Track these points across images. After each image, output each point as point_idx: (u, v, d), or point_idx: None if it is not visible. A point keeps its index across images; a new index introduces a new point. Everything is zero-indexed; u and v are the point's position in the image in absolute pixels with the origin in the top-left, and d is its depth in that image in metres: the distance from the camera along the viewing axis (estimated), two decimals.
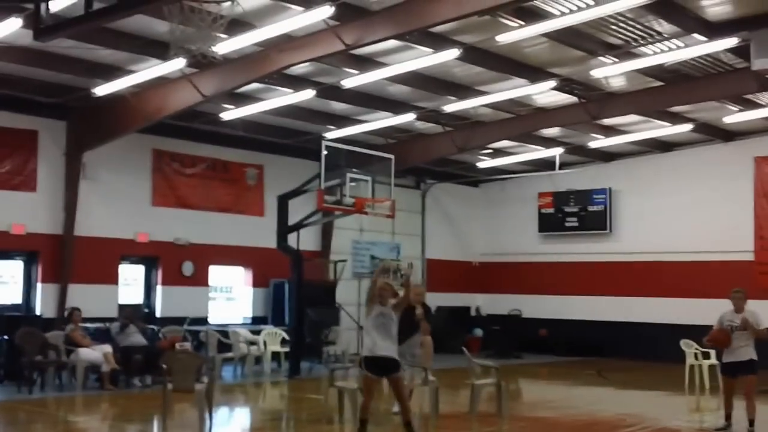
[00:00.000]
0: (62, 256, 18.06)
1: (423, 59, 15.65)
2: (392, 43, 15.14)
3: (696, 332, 17.02)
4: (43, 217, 18.01)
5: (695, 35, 14.88)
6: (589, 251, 25.50)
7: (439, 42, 15.15)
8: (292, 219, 18.39)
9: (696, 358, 17.59)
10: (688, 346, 17.74)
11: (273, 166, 22.05)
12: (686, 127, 21.50)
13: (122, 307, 18.15)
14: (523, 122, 20.74)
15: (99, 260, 18.77)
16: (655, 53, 15.73)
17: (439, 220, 26.70)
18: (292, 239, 18.59)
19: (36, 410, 13.31)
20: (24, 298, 18.17)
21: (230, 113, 18.76)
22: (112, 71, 16.19)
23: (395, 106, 19.50)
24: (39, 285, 18.13)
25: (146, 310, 19.76)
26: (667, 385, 17.81)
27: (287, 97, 17.81)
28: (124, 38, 14.68)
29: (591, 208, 25.51)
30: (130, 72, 16.11)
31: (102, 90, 16.62)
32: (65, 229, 18.14)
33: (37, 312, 17.78)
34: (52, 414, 13.31)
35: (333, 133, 20.36)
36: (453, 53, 15.15)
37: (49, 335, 15.74)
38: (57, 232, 18.17)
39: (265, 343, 18.79)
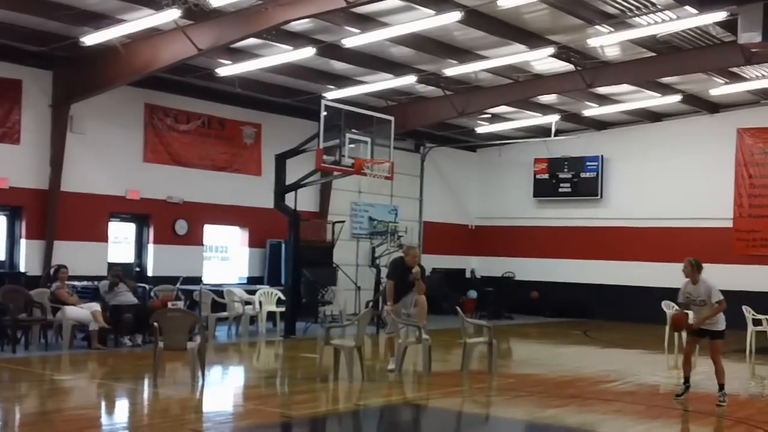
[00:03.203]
0: (47, 212, 16.87)
1: (425, 21, 15.04)
2: (394, 2, 14.54)
3: (677, 295, 17.54)
4: (27, 171, 16.71)
5: (687, 8, 14.57)
6: (580, 216, 25.44)
7: (441, 4, 14.63)
8: (290, 179, 17.61)
9: None
10: (669, 307, 17.71)
11: (271, 125, 21.01)
12: (675, 98, 21.52)
13: (112, 266, 16.98)
14: (521, 88, 20.30)
15: (87, 217, 17.58)
16: (649, 24, 15.54)
17: (437, 183, 26.16)
18: (289, 199, 17.83)
19: (20, 369, 12.40)
20: (7, 254, 16.95)
21: (227, 69, 17.67)
22: (101, 20, 14.95)
23: (396, 67, 18.69)
24: (23, 241, 16.92)
25: (137, 269, 18.72)
26: (648, 344, 18.18)
27: (286, 55, 16.83)
28: None
29: (583, 175, 25.35)
30: (121, 21, 14.90)
31: (91, 39, 15.32)
32: (51, 184, 16.90)
33: (21, 269, 16.67)
34: (38, 373, 12.41)
35: (332, 93, 19.42)
36: (455, 16, 14.61)
37: (33, 293, 14.68)
38: (42, 187, 16.89)
39: (260, 303, 17.98)
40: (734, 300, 18.00)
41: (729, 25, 15.06)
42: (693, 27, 15.76)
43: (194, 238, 19.66)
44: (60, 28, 15.56)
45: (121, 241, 18.88)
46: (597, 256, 24.77)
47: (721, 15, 14.42)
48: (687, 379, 10.84)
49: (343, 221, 21.90)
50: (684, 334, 16.72)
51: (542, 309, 24.94)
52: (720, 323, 10.63)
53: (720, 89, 20.32)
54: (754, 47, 14.75)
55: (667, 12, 14.93)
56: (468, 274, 26.33)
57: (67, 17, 14.84)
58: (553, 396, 11.28)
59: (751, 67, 18.52)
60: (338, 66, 18.54)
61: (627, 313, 23.16)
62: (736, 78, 19.61)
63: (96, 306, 14.44)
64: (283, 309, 17.78)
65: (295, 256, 17.54)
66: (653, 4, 14.64)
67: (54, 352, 14.04)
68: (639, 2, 14.57)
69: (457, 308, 13.91)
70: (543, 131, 24.42)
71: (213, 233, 20.49)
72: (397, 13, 15.08)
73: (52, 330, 14.68)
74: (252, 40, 16.09)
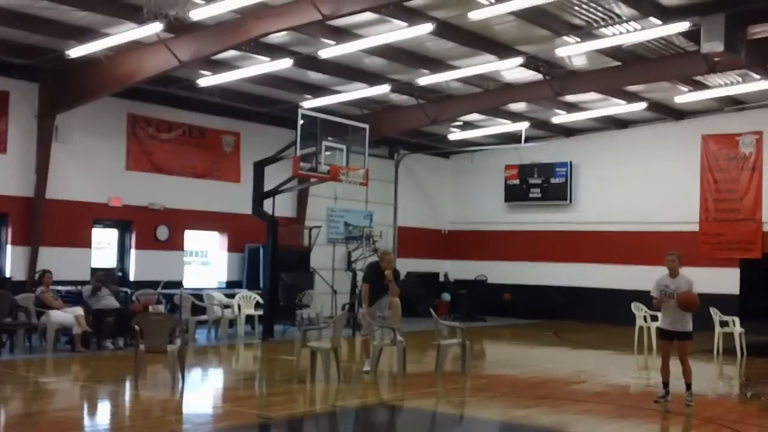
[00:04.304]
0: (33, 219, 16.83)
1: (398, 32, 15.05)
2: (368, 15, 14.55)
3: (646, 297, 18.27)
4: (13, 180, 16.70)
5: (651, 19, 14.68)
6: (550, 221, 25.46)
7: (413, 16, 14.64)
8: (268, 185, 17.60)
9: (645, 320, 17.78)
10: (638, 309, 17.94)
11: (249, 134, 21.01)
12: (641, 106, 21.57)
13: (95, 271, 16.95)
14: (492, 97, 20.34)
15: (71, 223, 17.55)
16: (615, 35, 15.59)
17: (411, 189, 26.14)
18: (267, 205, 17.76)
19: (5, 372, 12.25)
20: None
21: (207, 80, 17.70)
22: (86, 33, 14.98)
23: (370, 77, 18.73)
24: (9, 247, 16.87)
25: (119, 274, 18.63)
26: (618, 345, 18.12)
27: (264, 66, 16.86)
28: (99, 0, 13.52)
29: (553, 181, 25.38)
30: (105, 35, 14.95)
31: (76, 52, 15.38)
32: (36, 192, 16.88)
33: (7, 274, 16.59)
34: (22, 375, 12.27)
35: (309, 103, 19.45)
36: (427, 27, 14.68)
37: (19, 297, 14.57)
38: (28, 195, 16.88)
39: (239, 307, 17.92)
40: (702, 302, 18.41)
41: (692, 35, 15.23)
42: (657, 37, 15.84)
43: (175, 244, 19.60)
44: (46, 42, 15.59)
45: (104, 247, 18.79)
46: (567, 259, 24.76)
47: (684, 25, 14.60)
48: (666, 384, 10.72)
49: (320, 226, 21.80)
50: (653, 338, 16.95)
51: (514, 311, 24.90)
52: (689, 324, 10.60)
53: (684, 97, 20.37)
54: (716, 56, 14.99)
55: (632, 23, 15.01)
56: (441, 278, 26.22)
57: (53, 31, 14.90)
58: (526, 396, 11.28)
59: (714, 76, 18.62)
60: (315, 76, 18.57)
61: (597, 315, 23.18)
62: (700, 86, 19.69)
63: (79, 310, 14.34)
64: (261, 312, 17.72)
65: (273, 260, 17.47)
66: (618, 16, 14.73)
67: (38, 355, 13.91)
68: (605, 14, 14.64)
69: (431, 311, 13.91)
70: (513, 138, 24.42)
71: (193, 239, 20.42)
72: (371, 25, 15.13)
73: (37, 333, 14.58)
74: (231, 52, 16.13)
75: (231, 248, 20.91)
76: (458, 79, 18.80)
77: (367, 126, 17.73)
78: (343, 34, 15.53)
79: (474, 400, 11.37)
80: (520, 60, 16.99)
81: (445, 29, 15.21)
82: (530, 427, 9.54)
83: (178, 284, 18.73)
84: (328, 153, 16.65)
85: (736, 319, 16.79)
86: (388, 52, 16.69)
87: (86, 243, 18.05)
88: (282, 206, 19.68)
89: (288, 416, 9.78)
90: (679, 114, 22.93)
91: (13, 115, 16.71)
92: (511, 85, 19.58)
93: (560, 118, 22.63)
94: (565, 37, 15.76)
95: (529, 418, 9.84)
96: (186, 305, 17.01)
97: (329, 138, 16.66)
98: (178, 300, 17.12)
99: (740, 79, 19.15)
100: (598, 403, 10.89)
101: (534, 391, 11.78)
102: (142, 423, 9.28)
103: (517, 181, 25.85)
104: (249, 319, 18.09)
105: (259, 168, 17.59)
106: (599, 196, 24.49)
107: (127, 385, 11.29)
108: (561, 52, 16.46)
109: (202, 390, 12.02)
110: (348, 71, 18.14)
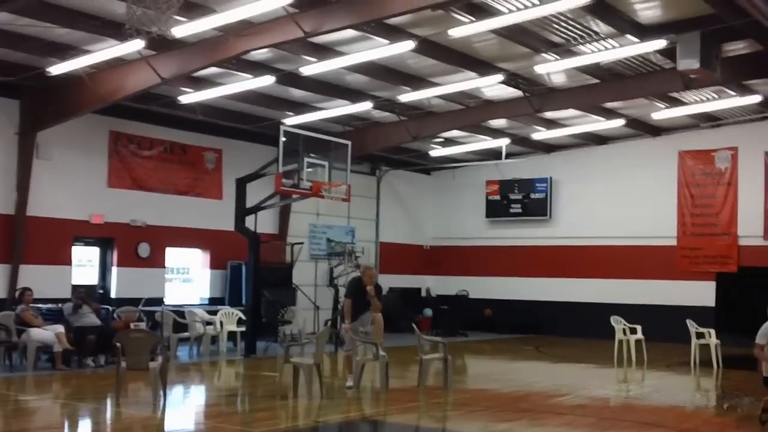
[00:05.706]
0: (13, 236, 16.67)
1: (379, 50, 15.11)
2: (350, 32, 14.55)
3: (625, 310, 19.03)
4: None
5: (628, 36, 14.85)
6: (531, 236, 25.47)
7: (395, 34, 14.68)
8: (250, 202, 17.49)
9: (624, 333, 17.86)
10: (617, 323, 18.01)
11: (232, 150, 20.94)
12: (619, 122, 21.64)
13: (76, 288, 16.78)
14: (473, 113, 20.36)
15: (52, 241, 17.38)
16: (593, 52, 15.71)
17: (393, 205, 26.13)
18: (249, 222, 17.71)
19: None
20: None
21: (189, 97, 17.61)
22: (67, 50, 14.86)
23: (352, 94, 18.72)
24: None
25: (101, 291, 18.48)
26: (598, 359, 18.18)
27: (246, 83, 16.82)
28: (80, 17, 13.43)
29: (533, 196, 25.42)
30: (87, 52, 14.82)
31: (57, 69, 15.25)
32: (17, 209, 16.73)
33: None
34: (2, 393, 12.08)
35: (291, 120, 19.43)
36: (408, 45, 14.73)
37: None
38: (8, 212, 16.73)
39: (221, 323, 17.79)
40: (679, 314, 18.67)
41: (668, 53, 15.32)
42: (634, 55, 15.90)
43: (157, 261, 19.45)
44: (27, 59, 15.46)
45: (85, 264, 18.62)
46: (547, 274, 24.79)
47: (660, 43, 14.71)
48: None
49: (302, 243, 21.79)
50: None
51: (495, 326, 24.84)
52: None
53: (661, 113, 20.39)
54: (692, 73, 15.08)
55: (609, 40, 15.09)
56: (423, 293, 26.13)
57: (35, 48, 14.77)
58: (507, 410, 11.30)
59: (690, 92, 18.73)
60: (297, 93, 18.55)
61: (577, 329, 23.14)
62: (676, 103, 19.76)
63: (60, 328, 14.19)
64: (243, 329, 17.55)
65: (255, 277, 17.38)
66: (596, 33, 14.82)
67: (18, 373, 13.78)
68: (583, 31, 14.73)
69: (414, 326, 13.91)
70: (494, 154, 24.52)
71: (175, 255, 20.29)
72: (353, 42, 15.13)
73: (17, 351, 14.41)
74: (213, 69, 16.07)
75: (213, 265, 20.79)
76: (439, 96, 18.81)
77: (349, 142, 17.73)
78: (325, 52, 15.53)
79: (456, 415, 11.34)
80: (500, 77, 17.06)
81: (427, 47, 15.25)
82: None
83: (160, 301, 18.63)
84: (310, 169, 16.64)
85: (712, 331, 16.88)
86: (370, 69, 16.71)
87: (67, 260, 17.87)
88: (264, 223, 19.55)
89: None
90: (656, 130, 23.05)
91: None
92: (491, 101, 19.65)
93: (540, 134, 22.67)
94: (544, 55, 15.81)
95: None
96: (168, 322, 16.88)
97: (311, 154, 16.66)
98: (159, 317, 16.98)
99: (716, 96, 19.30)
100: (579, 416, 10.91)
101: (515, 404, 11.79)
102: None
103: (497, 197, 25.86)
104: (231, 335, 17.94)
105: (242, 185, 17.51)
106: (579, 212, 24.52)
107: (109, 402, 11.19)
108: (540, 69, 16.49)
109: (184, 407, 11.93)
110: (330, 88, 18.14)
